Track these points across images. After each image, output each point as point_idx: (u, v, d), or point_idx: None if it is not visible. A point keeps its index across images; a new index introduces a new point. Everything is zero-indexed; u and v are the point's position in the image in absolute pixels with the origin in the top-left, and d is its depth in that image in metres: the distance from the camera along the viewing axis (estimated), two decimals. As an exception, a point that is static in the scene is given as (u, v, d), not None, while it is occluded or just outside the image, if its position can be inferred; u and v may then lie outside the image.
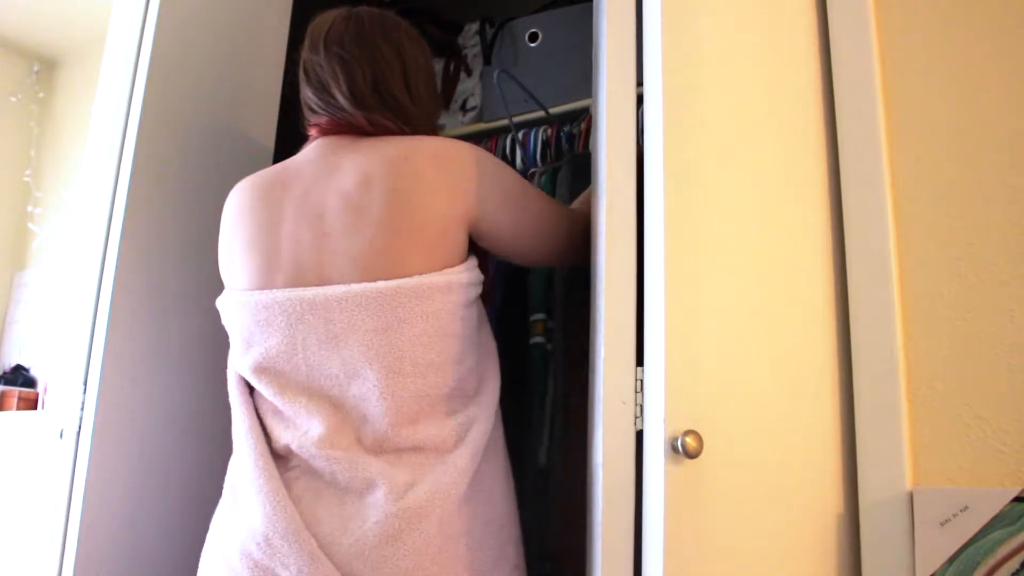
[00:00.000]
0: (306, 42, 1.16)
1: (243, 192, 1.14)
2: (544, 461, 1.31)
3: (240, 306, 1.07)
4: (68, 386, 1.34)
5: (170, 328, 1.40)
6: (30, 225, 3.13)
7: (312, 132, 1.16)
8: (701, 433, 0.90)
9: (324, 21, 1.16)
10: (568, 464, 1.28)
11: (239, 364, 1.09)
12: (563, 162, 1.54)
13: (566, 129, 1.66)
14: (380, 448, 1.00)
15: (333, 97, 1.12)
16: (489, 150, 1.78)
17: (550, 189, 1.50)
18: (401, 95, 1.13)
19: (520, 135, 1.73)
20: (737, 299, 1.05)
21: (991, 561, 0.97)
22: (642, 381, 0.95)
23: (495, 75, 1.65)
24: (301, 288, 1.03)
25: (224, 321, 1.12)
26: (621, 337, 0.98)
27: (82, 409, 1.29)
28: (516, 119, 1.75)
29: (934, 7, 1.18)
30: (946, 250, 1.11)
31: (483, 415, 1.06)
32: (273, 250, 1.07)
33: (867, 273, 1.13)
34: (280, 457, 1.04)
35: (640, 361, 0.96)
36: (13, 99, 3.22)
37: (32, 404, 2.82)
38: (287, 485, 1.00)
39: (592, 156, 1.12)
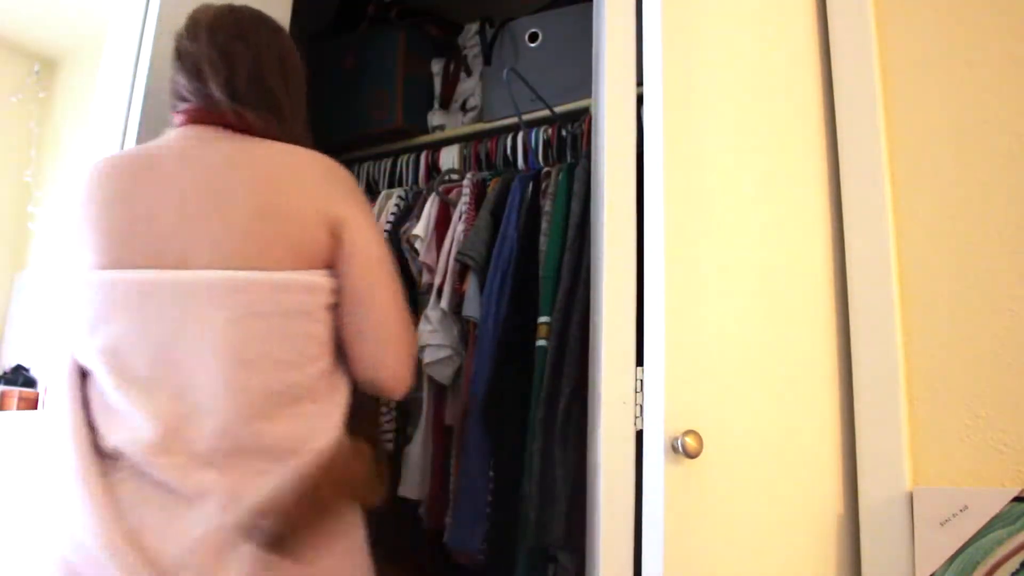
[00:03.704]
0: (184, 30, 1.15)
1: (100, 171, 1.08)
2: (537, 461, 1.30)
3: (88, 285, 1.01)
4: (68, 386, 1.33)
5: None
6: (30, 225, 3.13)
7: (178, 118, 1.12)
8: (701, 433, 0.90)
9: (205, 11, 1.16)
10: (561, 464, 1.28)
11: (81, 348, 1.02)
12: (581, 157, 1.54)
13: (569, 128, 1.66)
14: (218, 450, 0.95)
15: (208, 87, 1.10)
16: (490, 150, 1.79)
17: (566, 185, 1.50)
18: (280, 93, 1.13)
19: (521, 135, 1.73)
20: (737, 299, 1.05)
21: (991, 561, 0.97)
22: (642, 381, 0.95)
23: (504, 72, 1.65)
24: (155, 269, 0.99)
25: (64, 304, 1.05)
26: (621, 337, 0.98)
27: (82, 409, 1.29)
28: (517, 119, 1.75)
29: (934, 8, 1.18)
30: (946, 250, 1.11)
31: (332, 423, 1.01)
32: (129, 230, 1.02)
33: (867, 273, 1.13)
34: (107, 457, 0.96)
35: (640, 361, 0.96)
36: (13, 99, 3.21)
37: (32, 404, 2.82)
38: (114, 488, 0.94)
39: (592, 156, 1.12)
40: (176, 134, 1.11)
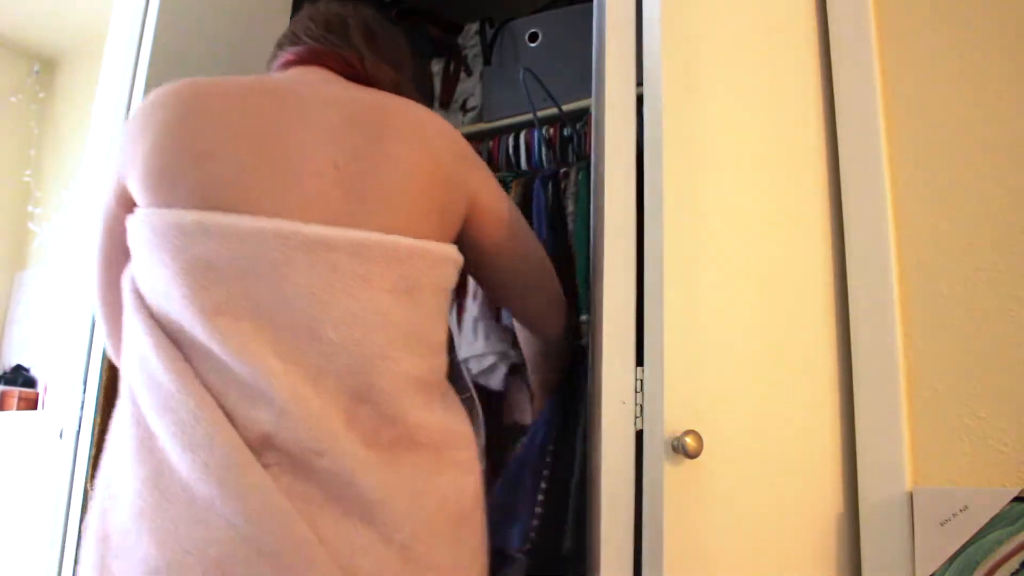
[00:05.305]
0: (323, 5, 1.06)
1: (210, 95, 0.88)
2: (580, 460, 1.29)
3: (219, 231, 0.80)
4: (68, 386, 1.34)
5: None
6: (30, 225, 3.13)
7: (289, 57, 1.00)
8: (701, 433, 0.90)
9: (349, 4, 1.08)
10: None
11: (185, 305, 0.79)
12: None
13: (576, 127, 1.66)
14: (385, 443, 0.81)
15: (349, 36, 1.00)
16: (491, 150, 1.79)
17: (587, 185, 1.49)
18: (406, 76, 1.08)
19: (523, 135, 1.73)
20: (737, 299, 1.05)
21: (991, 561, 0.96)
22: (642, 381, 0.95)
23: (520, 73, 1.63)
24: (315, 224, 0.82)
25: (152, 245, 0.81)
26: (621, 337, 0.97)
27: (82, 409, 1.29)
28: (518, 119, 1.75)
29: (934, 7, 1.18)
30: (946, 250, 1.11)
31: (462, 412, 0.93)
32: (282, 172, 0.84)
33: (867, 273, 1.13)
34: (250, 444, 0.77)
35: (640, 361, 0.96)
36: (13, 99, 3.22)
37: (32, 404, 2.82)
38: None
39: (592, 156, 1.12)
40: (296, 72, 0.98)
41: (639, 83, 1.05)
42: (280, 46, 1.05)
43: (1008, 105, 1.11)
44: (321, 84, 0.95)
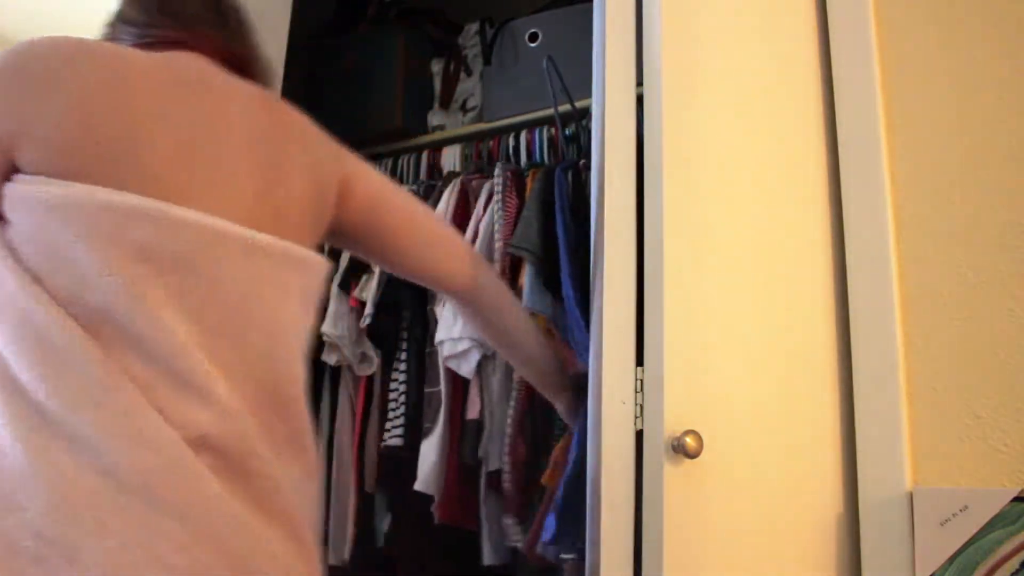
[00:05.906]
0: None
1: (125, 61, 0.81)
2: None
3: (166, 221, 0.74)
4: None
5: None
6: (30, 225, 3.13)
7: (158, 33, 0.89)
8: (701, 433, 0.90)
9: None
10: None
11: (118, 294, 0.72)
12: None
13: (582, 124, 1.66)
14: (282, 448, 0.79)
15: (227, 23, 0.92)
16: (491, 150, 1.79)
17: None
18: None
19: (524, 134, 1.73)
20: (737, 299, 1.05)
21: (991, 561, 0.96)
22: (642, 381, 0.95)
23: (544, 62, 1.62)
24: (244, 227, 0.80)
25: (71, 223, 0.72)
26: (621, 337, 0.98)
27: (82, 409, 1.29)
28: (517, 119, 1.75)
29: (934, 7, 1.18)
30: (946, 250, 1.11)
31: None
32: (208, 167, 0.79)
33: (867, 273, 1.13)
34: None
35: (640, 361, 0.96)
36: (13, 99, 3.22)
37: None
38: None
39: (592, 156, 1.12)
40: (178, 56, 0.86)
41: (639, 83, 1.05)
42: (144, 11, 0.93)
43: (1008, 105, 1.11)
44: (213, 73, 0.87)
